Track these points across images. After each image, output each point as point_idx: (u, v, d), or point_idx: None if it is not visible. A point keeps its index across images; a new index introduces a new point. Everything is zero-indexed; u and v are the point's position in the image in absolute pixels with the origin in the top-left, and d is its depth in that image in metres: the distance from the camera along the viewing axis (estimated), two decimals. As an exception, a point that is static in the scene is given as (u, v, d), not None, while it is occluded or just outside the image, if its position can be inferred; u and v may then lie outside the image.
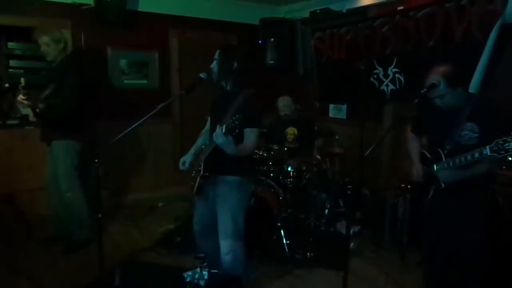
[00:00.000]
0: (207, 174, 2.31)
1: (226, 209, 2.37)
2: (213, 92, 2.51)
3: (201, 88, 2.37)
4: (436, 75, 2.08)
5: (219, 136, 2.05)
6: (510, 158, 1.85)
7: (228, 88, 2.38)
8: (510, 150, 1.82)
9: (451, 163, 2.10)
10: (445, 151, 2.15)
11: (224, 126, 2.03)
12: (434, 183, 2.21)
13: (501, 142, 1.84)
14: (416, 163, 2.36)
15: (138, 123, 2.23)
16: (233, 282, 2.22)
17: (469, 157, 2.01)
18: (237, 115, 2.01)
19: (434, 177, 2.22)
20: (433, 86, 2.09)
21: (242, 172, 2.38)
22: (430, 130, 2.34)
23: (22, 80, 2.99)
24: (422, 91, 2.10)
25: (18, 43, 3.98)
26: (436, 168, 2.21)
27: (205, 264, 2.08)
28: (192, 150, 2.56)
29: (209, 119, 2.59)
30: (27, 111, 3.45)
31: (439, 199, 2.25)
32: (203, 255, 2.13)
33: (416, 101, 2.11)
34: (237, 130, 2.02)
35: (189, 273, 2.02)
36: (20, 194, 3.72)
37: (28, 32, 3.88)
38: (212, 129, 2.36)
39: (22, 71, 4.00)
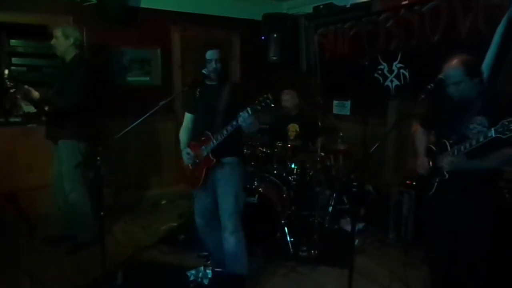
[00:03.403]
0: (214, 159, 2.42)
1: (228, 189, 2.47)
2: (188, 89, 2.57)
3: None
4: (453, 64, 2.04)
5: (247, 119, 2.20)
6: None
7: (214, 82, 2.48)
8: None
9: (455, 151, 2.07)
10: (451, 141, 2.11)
11: (251, 108, 2.17)
12: (438, 175, 2.18)
13: (506, 123, 1.81)
14: (422, 156, 2.33)
15: (139, 120, 2.22)
16: (236, 280, 2.19)
17: (474, 142, 1.97)
18: (265, 95, 2.15)
19: (439, 169, 2.18)
20: (441, 81, 2.05)
21: (238, 153, 2.59)
22: (438, 123, 2.30)
23: (7, 71, 2.98)
24: (429, 87, 2.06)
25: (20, 40, 3.96)
26: (441, 156, 2.17)
27: (209, 262, 2.05)
28: (185, 145, 2.63)
29: (189, 115, 2.66)
30: (30, 108, 3.47)
31: (443, 193, 2.21)
32: (207, 253, 2.10)
33: (422, 97, 2.08)
34: (272, 105, 2.18)
35: (193, 271, 2.00)
36: (23, 192, 3.70)
37: (30, 30, 3.86)
38: (206, 122, 2.46)
39: (24, 68, 3.99)
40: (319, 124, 3.70)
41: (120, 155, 4.22)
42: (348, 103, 4.50)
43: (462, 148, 2.03)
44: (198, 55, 2.49)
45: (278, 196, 3.32)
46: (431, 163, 2.25)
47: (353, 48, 4.17)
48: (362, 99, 4.05)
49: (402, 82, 3.73)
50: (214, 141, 2.38)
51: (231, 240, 2.45)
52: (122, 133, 2.19)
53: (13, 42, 3.96)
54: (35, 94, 2.94)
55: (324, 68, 4.60)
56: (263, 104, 2.15)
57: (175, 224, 3.78)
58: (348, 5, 4.24)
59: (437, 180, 2.20)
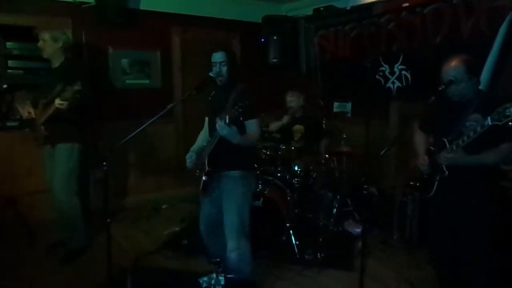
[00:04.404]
0: (210, 169, 2.33)
1: (231, 204, 2.37)
2: (204, 92, 2.51)
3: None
4: (455, 64, 2.07)
5: (223, 128, 2.11)
6: (510, 123, 1.84)
7: (223, 85, 2.40)
8: (510, 116, 1.80)
9: (454, 147, 2.07)
10: (449, 139, 2.12)
11: (227, 117, 2.08)
12: (439, 172, 2.19)
13: (501, 110, 1.84)
14: (422, 155, 2.34)
15: (147, 124, 2.17)
16: (249, 286, 2.16)
17: (471, 134, 1.98)
18: (239, 103, 2.06)
19: (438, 166, 2.19)
20: (451, 82, 2.06)
21: (245, 166, 2.42)
22: (437, 125, 2.31)
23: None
24: (440, 88, 2.07)
25: (17, 43, 3.88)
26: (440, 154, 2.17)
27: (220, 269, 2.01)
28: (194, 148, 2.55)
29: (206, 118, 2.63)
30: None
31: (444, 192, 2.22)
32: (218, 259, 2.07)
33: (433, 98, 2.08)
34: (241, 118, 2.08)
35: (205, 278, 1.96)
36: (21, 197, 3.63)
37: (27, 32, 3.79)
38: (212, 126, 2.38)
39: (21, 71, 3.92)
40: (324, 125, 3.70)
41: (119, 158, 4.17)
42: (349, 105, 4.50)
43: (460, 142, 2.03)
44: (202, 58, 2.46)
45: (282, 199, 3.30)
46: (431, 161, 2.26)
47: (354, 50, 4.19)
48: (363, 101, 4.05)
49: (404, 84, 3.75)
50: (209, 146, 2.32)
51: (232, 257, 2.37)
52: (129, 137, 2.14)
53: (9, 44, 3.88)
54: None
55: (325, 70, 4.61)
56: (239, 110, 2.06)
57: (177, 228, 3.73)
58: (348, 7, 4.25)
59: (437, 178, 2.21)
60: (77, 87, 2.70)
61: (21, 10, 3.63)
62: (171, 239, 3.51)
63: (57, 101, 2.72)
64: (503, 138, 1.98)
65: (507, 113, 1.81)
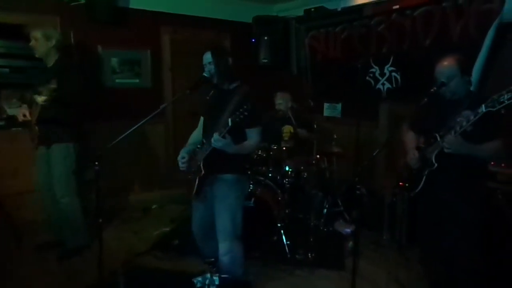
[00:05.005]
0: (205, 173, 2.29)
1: (224, 208, 2.35)
2: (201, 91, 2.48)
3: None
4: (448, 63, 2.12)
5: (218, 140, 2.10)
6: (503, 111, 1.87)
7: (223, 87, 2.36)
8: (504, 102, 1.83)
9: (458, 127, 2.07)
10: (441, 133, 2.15)
11: (229, 120, 2.04)
12: (427, 165, 2.21)
13: (496, 97, 1.87)
14: (412, 149, 2.36)
15: (141, 123, 2.15)
16: (244, 287, 2.16)
17: (464, 123, 2.01)
18: (242, 107, 2.02)
19: (427, 160, 2.22)
20: (443, 84, 2.09)
21: (239, 169, 2.40)
22: (428, 124, 2.33)
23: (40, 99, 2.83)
24: (432, 90, 2.10)
25: (3, 40, 3.80)
26: (430, 148, 2.20)
27: (215, 268, 2.00)
28: (186, 149, 2.49)
29: (201, 118, 2.58)
30: (14, 111, 3.33)
31: (431, 187, 2.25)
32: (213, 259, 2.05)
33: (425, 100, 2.11)
34: (243, 122, 2.05)
35: (199, 278, 1.95)
36: (8, 198, 3.54)
37: (14, 30, 3.71)
38: (207, 128, 2.36)
39: (7, 69, 3.83)
40: (314, 126, 3.71)
41: (108, 159, 4.10)
42: (339, 106, 4.53)
43: (453, 132, 2.05)
44: (192, 57, 2.43)
45: (274, 199, 3.30)
46: (420, 155, 2.29)
47: (345, 51, 4.21)
48: (354, 102, 4.08)
49: (394, 85, 3.79)
50: (204, 151, 2.28)
51: (224, 260, 2.35)
52: (121, 137, 2.12)
53: (-5, 42, 3.80)
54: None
55: (316, 71, 4.63)
56: (241, 116, 2.03)
57: (167, 229, 3.70)
58: (339, 9, 4.27)
59: (425, 172, 2.23)
60: (52, 85, 2.68)
61: (7, 7, 3.54)
62: (161, 239, 3.49)
63: (38, 99, 2.71)
64: (496, 127, 2.00)
65: (501, 100, 1.84)
